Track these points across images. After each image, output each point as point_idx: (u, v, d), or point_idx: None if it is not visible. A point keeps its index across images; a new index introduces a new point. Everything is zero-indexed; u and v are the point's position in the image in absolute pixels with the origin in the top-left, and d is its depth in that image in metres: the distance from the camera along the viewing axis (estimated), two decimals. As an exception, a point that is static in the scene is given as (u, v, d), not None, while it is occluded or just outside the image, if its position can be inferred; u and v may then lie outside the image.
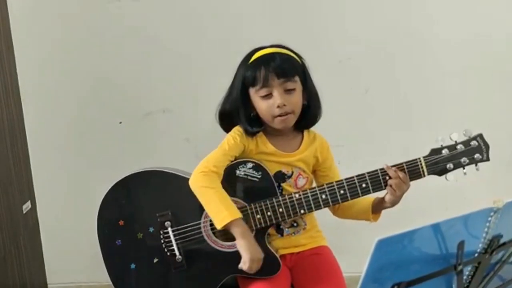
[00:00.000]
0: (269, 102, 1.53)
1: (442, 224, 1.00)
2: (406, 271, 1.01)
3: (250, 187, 1.55)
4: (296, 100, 1.55)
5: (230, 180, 1.54)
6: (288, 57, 1.54)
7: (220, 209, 1.48)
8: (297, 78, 1.54)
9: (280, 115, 1.53)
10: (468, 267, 1.09)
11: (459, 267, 1.05)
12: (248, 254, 1.46)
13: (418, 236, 0.99)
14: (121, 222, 1.60)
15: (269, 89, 1.52)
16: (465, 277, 1.10)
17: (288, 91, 1.53)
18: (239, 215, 1.48)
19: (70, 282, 2.48)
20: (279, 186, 1.58)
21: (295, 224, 1.62)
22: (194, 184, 1.53)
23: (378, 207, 1.58)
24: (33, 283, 2.35)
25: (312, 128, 1.66)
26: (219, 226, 1.49)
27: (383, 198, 1.55)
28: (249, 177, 1.54)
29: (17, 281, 2.19)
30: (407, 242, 0.99)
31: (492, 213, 1.04)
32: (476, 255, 1.08)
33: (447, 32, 2.25)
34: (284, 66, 1.50)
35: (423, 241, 1.01)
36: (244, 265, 1.47)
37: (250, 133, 1.58)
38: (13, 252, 2.17)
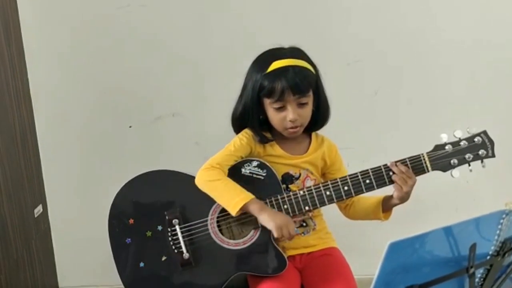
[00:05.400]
0: (281, 115, 1.55)
1: (454, 227, 1.00)
2: (418, 274, 1.01)
3: (255, 185, 1.57)
4: (307, 113, 1.58)
5: (235, 178, 1.56)
6: (304, 71, 1.54)
7: (230, 198, 1.51)
8: (311, 93, 1.56)
9: (291, 128, 1.56)
10: (480, 270, 1.09)
11: (471, 270, 1.05)
12: (272, 223, 1.49)
13: (430, 239, 0.99)
14: (131, 221, 1.62)
15: (283, 103, 1.54)
16: (477, 280, 1.10)
17: (301, 105, 1.55)
18: (250, 196, 1.51)
19: (81, 286, 2.49)
20: (287, 188, 1.61)
21: (304, 224, 1.64)
22: (199, 180, 1.56)
23: (388, 205, 1.58)
24: (45, 286, 2.36)
25: (321, 131, 1.68)
26: (234, 213, 1.50)
27: (391, 196, 1.55)
28: (254, 175, 1.56)
29: (29, 284, 2.21)
30: (419, 245, 0.99)
31: (504, 216, 1.04)
32: (488, 257, 1.08)
33: (455, 34, 2.24)
34: (300, 83, 1.51)
35: (435, 244, 1.01)
36: (275, 234, 1.49)
37: (261, 142, 1.60)
38: (25, 256, 2.19)
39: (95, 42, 2.30)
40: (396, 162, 1.52)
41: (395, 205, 1.57)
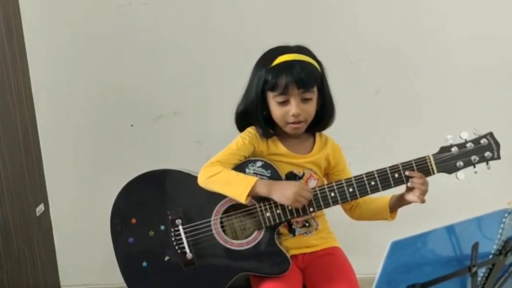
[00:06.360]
0: (285, 109, 1.55)
1: (456, 226, 1.00)
2: (420, 273, 1.01)
3: None
4: (311, 109, 1.57)
5: None
6: (310, 67, 1.54)
7: (234, 187, 1.50)
8: (315, 88, 1.56)
9: (293, 123, 1.55)
10: (482, 269, 1.09)
11: (474, 269, 1.05)
12: (286, 201, 1.49)
13: (432, 238, 0.99)
14: (134, 220, 1.62)
15: (287, 96, 1.53)
16: (479, 279, 1.10)
17: (305, 100, 1.55)
18: (253, 180, 1.50)
19: (82, 284, 2.50)
20: (290, 187, 1.59)
21: (307, 224, 1.64)
22: (201, 179, 1.55)
23: (395, 205, 1.58)
24: (47, 284, 2.36)
25: (324, 130, 1.67)
26: (244, 201, 1.50)
27: (402, 197, 1.55)
28: (258, 176, 1.55)
29: (30, 283, 2.21)
30: (421, 244, 0.99)
31: (506, 215, 1.04)
32: (490, 256, 1.08)
33: (457, 32, 2.24)
34: (305, 77, 1.51)
35: (437, 243, 1.01)
36: (295, 206, 1.51)
37: (264, 135, 1.59)
38: (27, 254, 2.19)
39: (96, 40, 2.30)
40: (401, 164, 1.51)
41: (403, 205, 1.56)
